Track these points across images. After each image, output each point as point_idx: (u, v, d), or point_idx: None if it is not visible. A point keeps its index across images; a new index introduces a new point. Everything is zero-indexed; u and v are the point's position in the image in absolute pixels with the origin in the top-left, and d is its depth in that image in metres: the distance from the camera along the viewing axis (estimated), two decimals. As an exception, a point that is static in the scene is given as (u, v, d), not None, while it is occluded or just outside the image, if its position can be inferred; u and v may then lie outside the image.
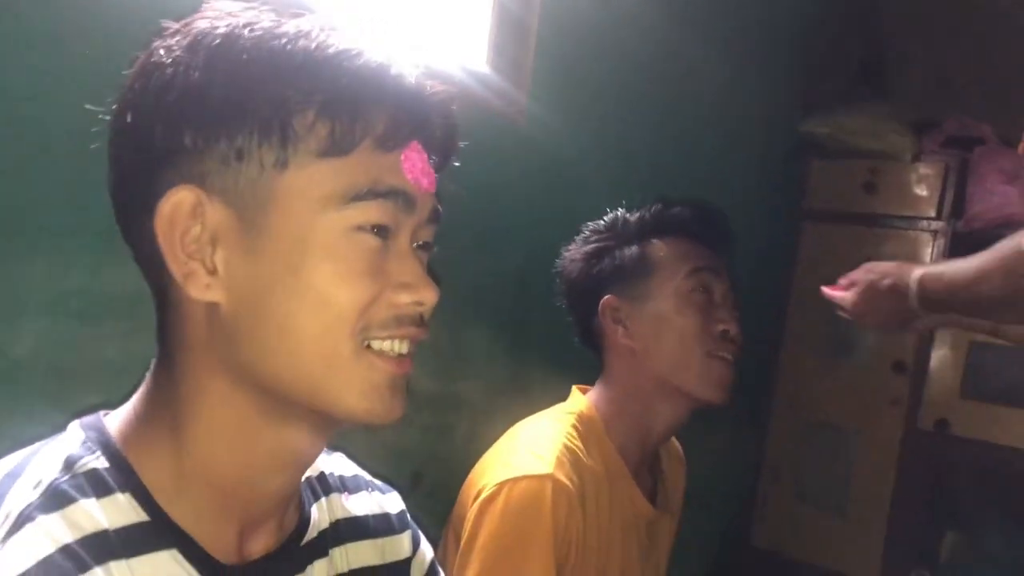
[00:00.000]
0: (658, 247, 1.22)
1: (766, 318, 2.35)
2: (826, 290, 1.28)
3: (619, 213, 1.27)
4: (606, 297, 1.22)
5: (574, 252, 1.26)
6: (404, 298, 0.60)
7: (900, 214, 2.26)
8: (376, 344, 0.60)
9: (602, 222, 1.27)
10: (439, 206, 0.65)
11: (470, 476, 1.14)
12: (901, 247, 2.22)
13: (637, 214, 1.24)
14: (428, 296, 0.61)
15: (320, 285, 0.57)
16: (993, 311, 1.17)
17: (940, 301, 1.16)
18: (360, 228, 0.58)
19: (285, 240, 0.56)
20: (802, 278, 2.39)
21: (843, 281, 1.27)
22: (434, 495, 1.42)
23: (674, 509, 1.34)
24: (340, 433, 1.36)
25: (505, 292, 1.57)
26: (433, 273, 0.65)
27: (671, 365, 1.19)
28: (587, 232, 1.27)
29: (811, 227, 2.41)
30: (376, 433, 1.45)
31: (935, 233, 2.17)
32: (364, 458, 1.44)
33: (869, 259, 2.12)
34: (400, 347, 0.61)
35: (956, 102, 2.37)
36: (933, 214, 2.20)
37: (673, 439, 1.38)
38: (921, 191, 2.23)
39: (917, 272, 1.17)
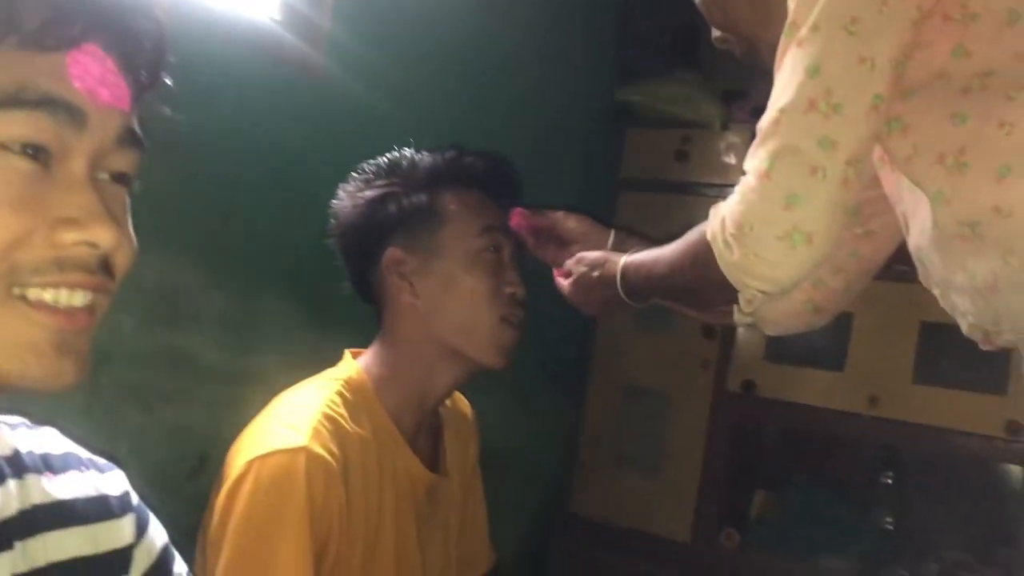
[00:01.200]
0: (449, 199, 1.16)
1: (584, 286, 2.34)
2: (556, 275, 1.30)
3: (406, 154, 1.19)
4: (391, 250, 1.15)
5: (353, 194, 1.17)
6: (69, 236, 0.50)
7: (710, 182, 2.30)
8: (33, 293, 0.49)
9: (384, 161, 1.19)
10: (137, 128, 0.54)
11: (227, 456, 1.05)
12: (711, 214, 2.26)
13: (428, 159, 1.17)
14: (102, 235, 0.50)
15: None
16: (689, 299, 1.23)
17: (642, 290, 1.20)
18: (3, 147, 0.47)
19: None
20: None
21: (561, 271, 1.29)
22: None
23: (463, 470, 1.29)
24: (106, 410, 1.22)
25: (305, 256, 1.46)
26: (115, 209, 0.53)
27: (457, 327, 1.14)
28: (368, 172, 1.18)
29: (627, 196, 2.42)
30: (152, 410, 1.33)
31: (742, 200, 2.23)
32: (138, 439, 1.32)
33: (681, 227, 2.15)
34: (70, 298, 0.50)
35: (764, 72, 2.43)
36: (740, 181, 2.25)
37: (461, 396, 1.33)
38: (730, 159, 2.28)
39: (621, 263, 1.19)
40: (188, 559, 1.12)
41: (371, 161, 1.20)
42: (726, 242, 0.95)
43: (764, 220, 0.92)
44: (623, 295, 1.20)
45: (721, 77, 2.39)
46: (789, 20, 0.94)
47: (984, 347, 1.04)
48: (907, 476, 2.29)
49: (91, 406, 1.25)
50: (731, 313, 1.06)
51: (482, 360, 1.16)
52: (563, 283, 1.28)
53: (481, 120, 1.91)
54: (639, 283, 1.18)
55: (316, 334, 1.53)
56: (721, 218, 0.97)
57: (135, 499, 0.70)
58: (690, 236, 1.07)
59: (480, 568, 1.39)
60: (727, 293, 0.99)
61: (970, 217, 0.91)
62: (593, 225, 1.34)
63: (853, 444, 2.37)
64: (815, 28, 0.91)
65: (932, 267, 1.00)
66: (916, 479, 2.30)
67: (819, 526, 2.23)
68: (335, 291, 1.33)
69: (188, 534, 1.14)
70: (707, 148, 2.32)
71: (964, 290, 0.97)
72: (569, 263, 1.28)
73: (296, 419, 1.03)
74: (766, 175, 0.92)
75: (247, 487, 0.97)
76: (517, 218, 1.25)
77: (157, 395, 1.33)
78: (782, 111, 0.92)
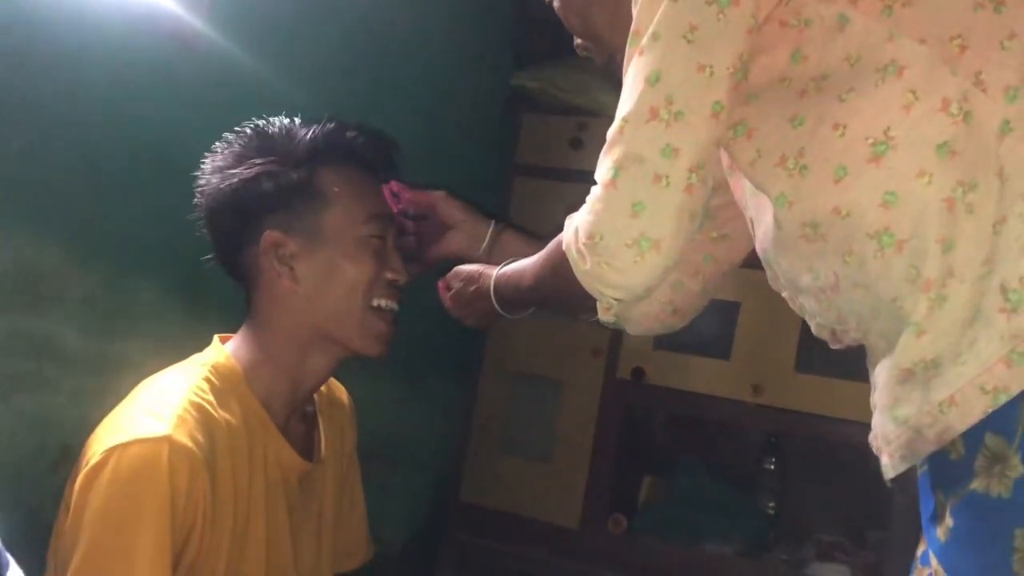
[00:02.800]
0: (331, 179, 1.11)
1: (477, 272, 2.32)
2: (440, 287, 1.33)
3: (279, 125, 1.13)
4: (270, 232, 1.09)
5: (224, 169, 1.11)
6: None
7: (604, 170, 2.30)
8: None
9: (254, 132, 1.13)
10: None
11: (85, 444, 0.99)
12: (605, 202, 2.26)
13: (306, 132, 1.11)
14: None
15: None
16: (557, 307, 1.25)
17: (515, 301, 1.23)
18: None
19: None
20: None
21: (442, 283, 1.32)
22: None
23: (338, 458, 1.25)
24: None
25: (180, 235, 1.39)
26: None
27: (333, 315, 1.10)
28: (238, 144, 1.12)
29: (522, 182, 2.40)
30: (8, 400, 1.24)
31: (635, 189, 2.23)
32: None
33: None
34: None
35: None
36: (633, 170, 2.25)
37: (336, 383, 1.30)
38: (623, 148, 2.28)
39: (493, 276, 1.23)
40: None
41: (238, 130, 1.13)
42: (579, 252, 0.97)
43: (612, 229, 0.93)
44: (498, 308, 1.23)
45: (618, 65, 2.40)
46: (632, 28, 0.95)
47: (834, 346, 1.08)
48: (789, 462, 2.35)
49: (-62, 397, 1.16)
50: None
51: (357, 348, 1.13)
52: (445, 296, 1.31)
53: (373, 101, 1.86)
54: (511, 295, 1.20)
55: (192, 317, 1.46)
56: (574, 228, 0.98)
57: None
58: (551, 246, 1.09)
59: (357, 559, 1.35)
60: (588, 300, 1.01)
61: (811, 218, 0.93)
62: (473, 213, 1.35)
63: (738, 430, 2.42)
64: (655, 36, 0.92)
65: (779, 270, 1.03)
66: (797, 465, 2.36)
67: (704, 511, 2.27)
68: (212, 272, 1.27)
69: (50, 529, 1.07)
70: (601, 136, 2.29)
71: (810, 291, 1.00)
72: (448, 276, 1.30)
73: (159, 406, 0.98)
74: (611, 184, 0.93)
75: (105, 477, 0.92)
76: (394, 191, 1.23)
77: (14, 384, 1.25)
78: (625, 120, 0.94)
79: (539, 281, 1.13)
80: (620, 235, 0.92)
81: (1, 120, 1.20)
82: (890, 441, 0.93)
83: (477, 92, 2.33)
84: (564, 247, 1.01)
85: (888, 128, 0.88)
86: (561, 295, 1.09)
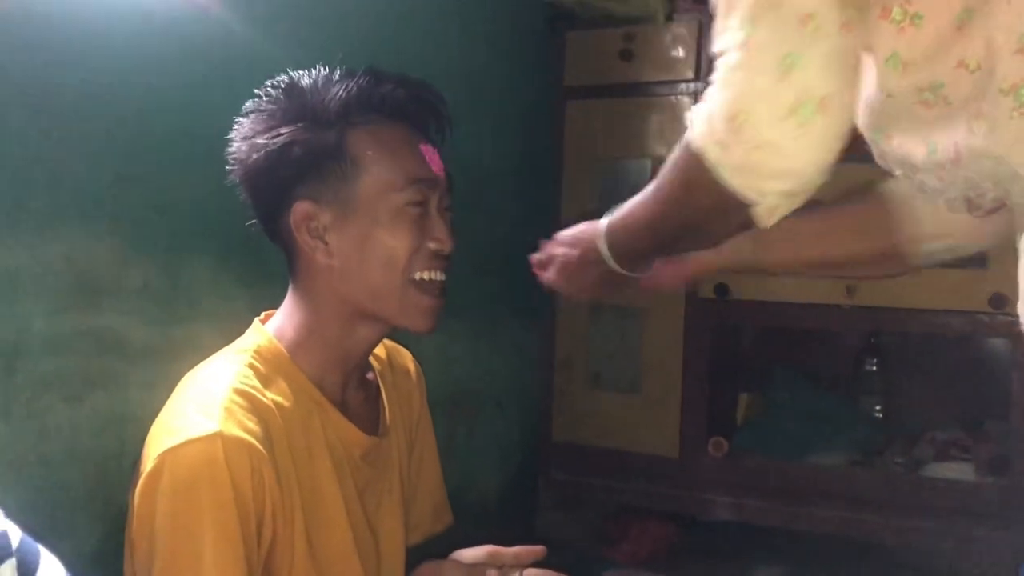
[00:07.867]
0: (364, 141, 1.00)
1: (539, 207, 2.23)
2: (532, 263, 1.15)
3: (312, 77, 1.03)
4: (300, 204, 1.00)
5: (253, 137, 1.02)
6: None
7: (659, 80, 2.16)
8: None
9: (284, 86, 1.03)
10: None
11: (144, 444, 0.94)
12: (664, 114, 2.14)
13: (337, 88, 1.01)
14: None
15: None
16: (695, 239, 0.97)
17: (635, 251, 0.99)
18: None
19: None
20: (572, 161, 2.27)
21: (538, 258, 1.13)
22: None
23: (407, 427, 1.18)
24: (27, 408, 1.10)
25: (230, 209, 1.33)
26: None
27: (372, 291, 1.01)
28: (265, 106, 1.03)
29: (574, 105, 2.28)
30: (81, 400, 1.21)
31: (695, 95, 2.10)
32: (70, 433, 1.20)
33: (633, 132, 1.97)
34: None
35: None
36: (691, 75, 2.11)
37: (399, 349, 1.22)
38: (677, 53, 2.14)
39: (603, 227, 0.99)
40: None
41: (267, 87, 1.04)
42: (720, 144, 0.77)
43: (760, 98, 0.74)
44: (615, 265, 1.01)
45: None
46: None
47: (973, 214, 0.91)
48: (891, 361, 2.24)
49: (8, 406, 1.13)
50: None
51: (401, 324, 1.04)
52: (544, 274, 1.13)
53: (403, 35, 1.76)
54: (629, 244, 0.98)
55: (253, 292, 1.40)
56: (706, 116, 0.79)
57: (16, 540, 0.59)
58: (672, 159, 0.87)
59: (433, 531, 1.26)
60: (739, 214, 0.81)
61: (931, 79, 0.76)
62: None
63: (834, 335, 2.31)
64: None
65: (886, 147, 0.86)
66: (901, 363, 2.25)
67: (807, 422, 2.18)
68: (269, 247, 1.20)
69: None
70: (652, 44, 2.17)
71: (926, 168, 0.84)
72: (548, 246, 1.12)
73: (205, 401, 0.92)
74: (746, 44, 0.74)
75: (165, 484, 0.88)
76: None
77: (84, 383, 1.22)
78: None
79: (668, 204, 0.88)
80: (772, 104, 0.73)
81: (30, 121, 1.15)
82: None
83: (514, 13, 2.20)
84: (698, 145, 0.79)
85: None
86: (701, 217, 0.86)
